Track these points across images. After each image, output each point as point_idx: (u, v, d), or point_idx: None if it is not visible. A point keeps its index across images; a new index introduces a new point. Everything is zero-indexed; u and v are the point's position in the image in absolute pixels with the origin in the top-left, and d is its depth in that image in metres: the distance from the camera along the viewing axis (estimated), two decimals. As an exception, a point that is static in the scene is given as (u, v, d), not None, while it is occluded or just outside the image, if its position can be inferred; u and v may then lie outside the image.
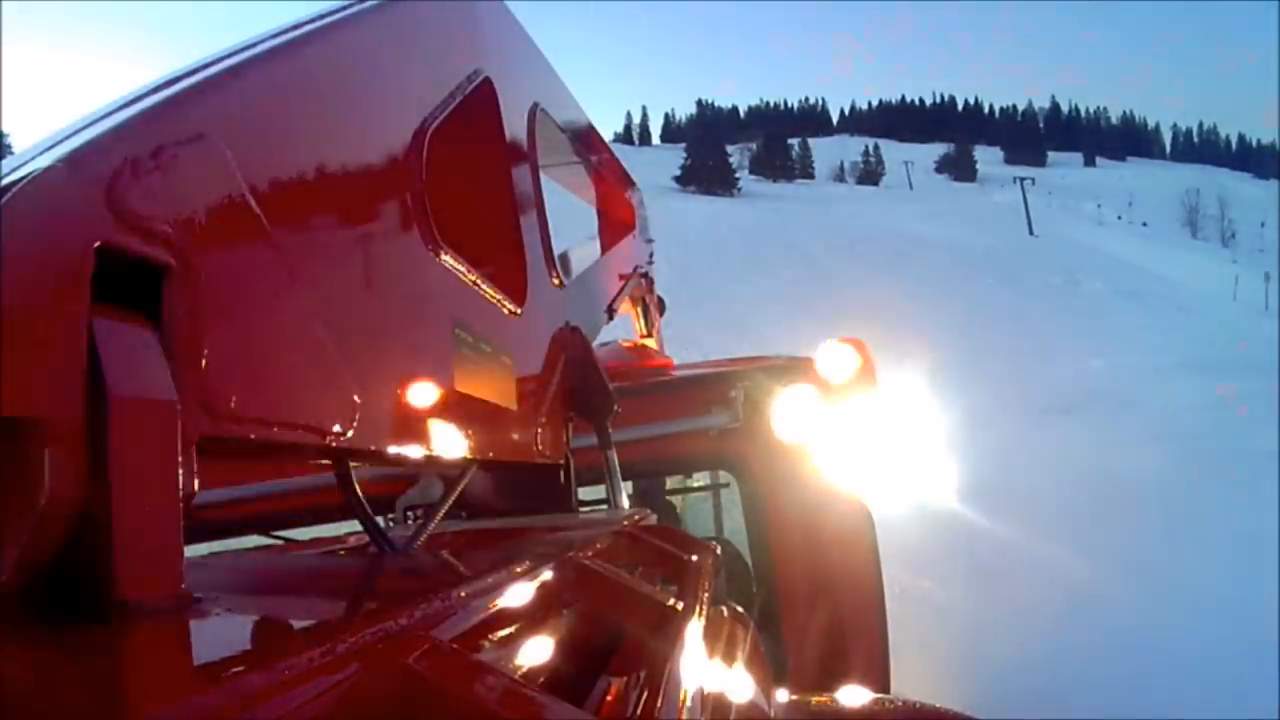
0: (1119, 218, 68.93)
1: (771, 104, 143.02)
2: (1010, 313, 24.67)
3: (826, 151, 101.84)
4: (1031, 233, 48.24)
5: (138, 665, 0.47)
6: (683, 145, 78.69)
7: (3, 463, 0.45)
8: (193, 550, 0.58)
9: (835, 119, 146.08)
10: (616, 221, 3.13)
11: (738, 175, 70.80)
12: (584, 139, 2.41)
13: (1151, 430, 11.54)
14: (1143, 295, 30.98)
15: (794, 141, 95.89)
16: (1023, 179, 60.20)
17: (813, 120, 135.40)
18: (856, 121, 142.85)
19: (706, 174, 65.13)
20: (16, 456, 0.46)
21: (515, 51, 1.64)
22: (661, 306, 4.27)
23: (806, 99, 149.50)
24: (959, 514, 6.61)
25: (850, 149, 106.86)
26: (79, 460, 0.48)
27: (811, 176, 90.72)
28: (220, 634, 0.56)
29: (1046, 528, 7.17)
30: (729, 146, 75.95)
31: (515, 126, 1.50)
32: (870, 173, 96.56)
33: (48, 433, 0.46)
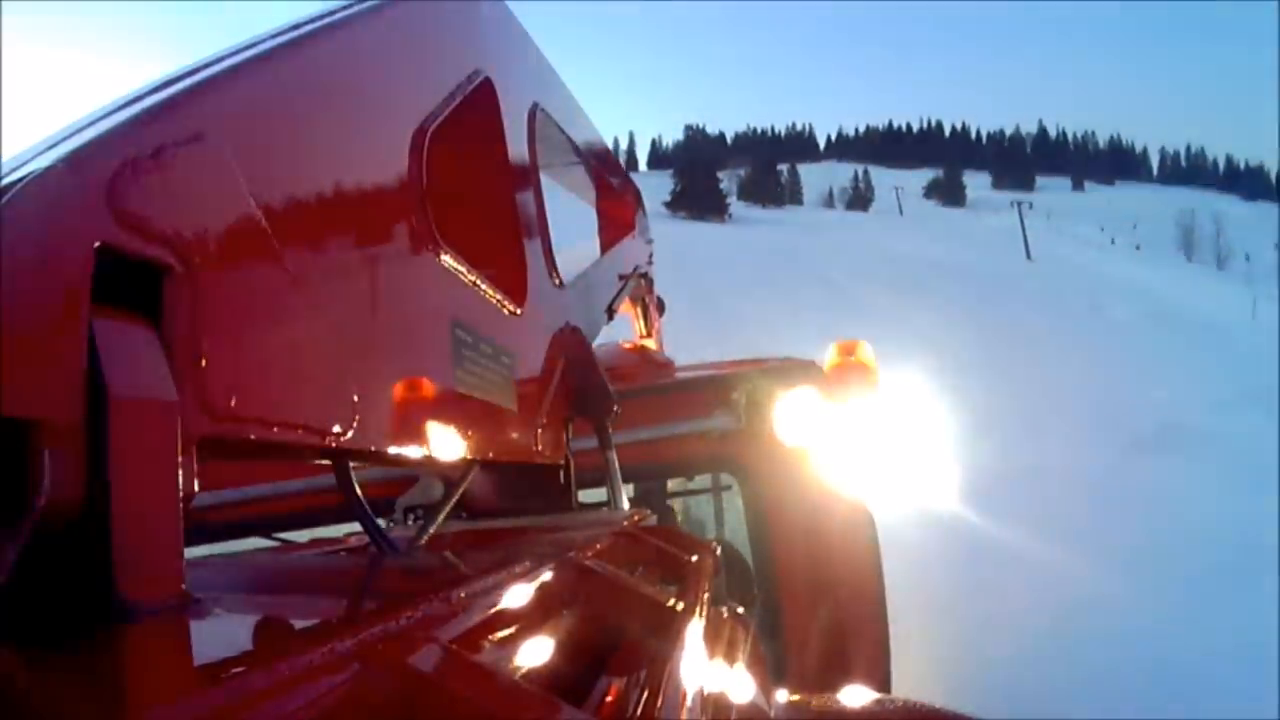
0: (1113, 241, 68.81)
1: (758, 130, 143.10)
2: (1046, 343, 23.27)
3: (814, 177, 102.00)
4: (1028, 257, 47.88)
5: (138, 665, 0.47)
6: (670, 171, 78.09)
7: (3, 463, 0.45)
8: (193, 551, 0.58)
9: (822, 145, 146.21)
10: (616, 221, 3.13)
11: (728, 201, 70.68)
12: (584, 139, 2.41)
13: (1249, 470, 10.14)
14: (1169, 320, 29.83)
15: (782, 167, 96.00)
16: (1019, 202, 60.09)
17: (800, 146, 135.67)
18: (843, 147, 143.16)
19: (697, 199, 64.85)
20: (16, 456, 0.46)
21: (515, 51, 1.64)
22: (661, 307, 4.27)
23: (793, 125, 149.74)
24: (1101, 579, 6.03)
25: (838, 175, 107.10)
26: (79, 460, 0.48)
27: (800, 202, 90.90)
28: (220, 634, 0.56)
29: (1203, 597, 6.15)
30: (717, 173, 75.58)
31: (515, 126, 1.50)
32: (859, 198, 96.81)
33: (48, 433, 0.46)
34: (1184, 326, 28.81)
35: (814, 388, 2.74)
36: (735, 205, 72.93)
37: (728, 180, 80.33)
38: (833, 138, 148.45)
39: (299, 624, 0.65)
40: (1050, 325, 26.51)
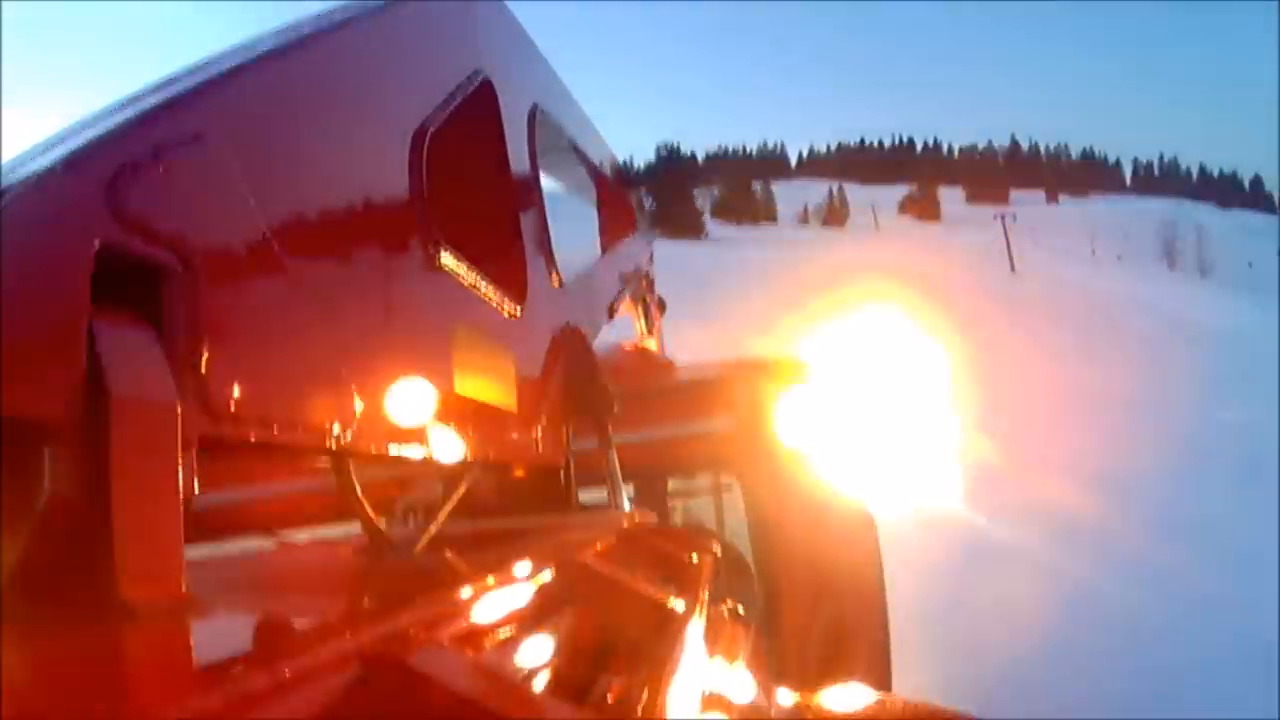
0: (1093, 252, 68.18)
1: (730, 149, 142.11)
2: (1075, 359, 20.84)
3: (787, 194, 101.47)
4: (1013, 270, 46.92)
5: (138, 665, 0.47)
6: (641, 191, 76.42)
7: (3, 463, 0.45)
8: (193, 551, 0.58)
9: (794, 162, 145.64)
10: (617, 221, 3.13)
11: (704, 220, 70.56)
12: (584, 139, 2.41)
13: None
14: (1184, 331, 27.66)
15: (755, 185, 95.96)
16: (1003, 215, 59.32)
17: (771, 164, 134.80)
18: (815, 164, 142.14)
19: (672, 219, 64.18)
20: (16, 456, 0.46)
21: (515, 52, 1.64)
22: (662, 307, 4.26)
23: (765, 143, 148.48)
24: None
25: (811, 192, 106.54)
26: (79, 460, 0.48)
27: (774, 220, 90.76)
28: (220, 634, 0.56)
29: None
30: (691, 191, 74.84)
31: (515, 126, 1.50)
32: (835, 214, 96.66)
33: (48, 433, 0.46)
34: (1203, 338, 26.45)
35: (813, 388, 2.75)
36: (710, 224, 72.55)
37: (701, 199, 79.82)
38: (804, 155, 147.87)
39: (299, 624, 0.65)
40: (1070, 339, 24.75)
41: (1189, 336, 26.97)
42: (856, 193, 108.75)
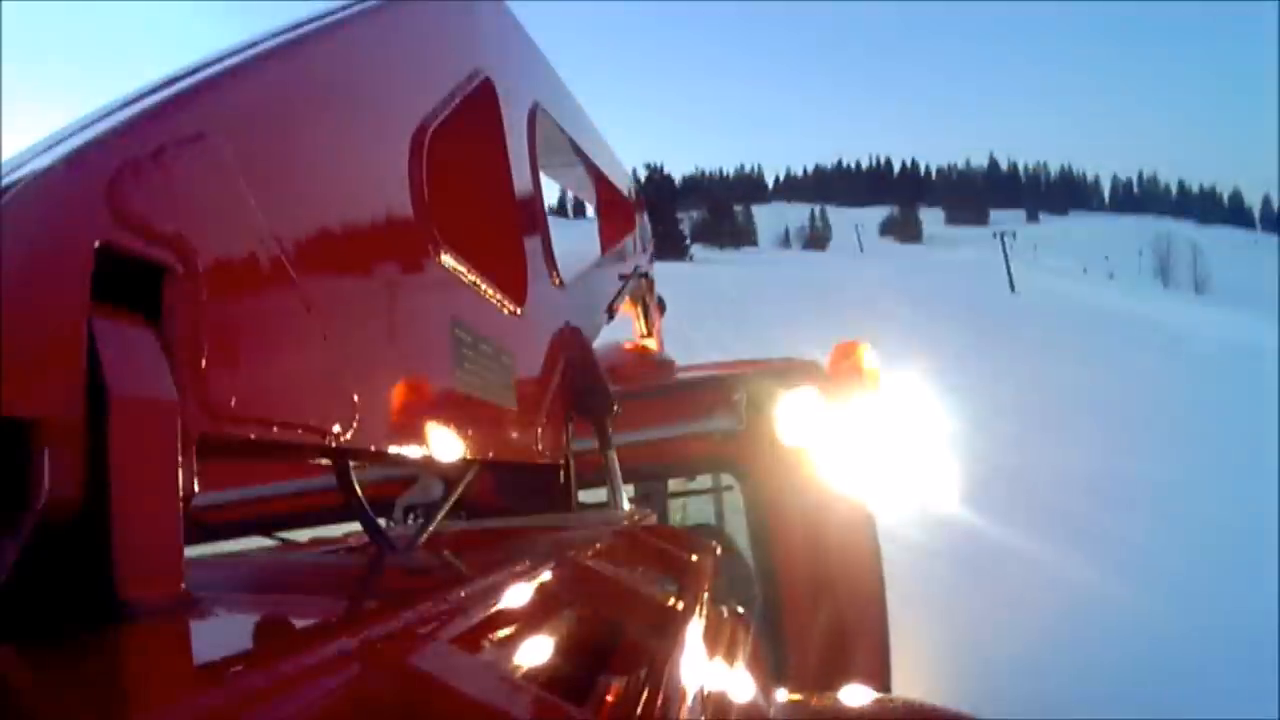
0: (1085, 270, 67.75)
1: (707, 173, 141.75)
2: (1108, 378, 19.36)
3: (766, 218, 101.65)
4: (1012, 290, 45.91)
5: (138, 665, 0.47)
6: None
7: (3, 463, 0.45)
8: (193, 551, 0.58)
9: (771, 185, 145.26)
10: (617, 221, 3.13)
11: (688, 244, 70.83)
12: (584, 139, 2.41)
13: None
14: (1236, 352, 25.34)
15: (737, 209, 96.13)
16: (1003, 234, 57.63)
17: (750, 187, 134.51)
18: (792, 188, 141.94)
19: (659, 241, 64.07)
20: (16, 456, 0.46)
21: (515, 51, 1.64)
22: (662, 307, 4.27)
23: (742, 166, 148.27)
24: None
25: (789, 215, 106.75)
26: (79, 460, 0.48)
27: (755, 244, 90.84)
28: (220, 634, 0.56)
29: None
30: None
31: (515, 126, 1.50)
32: (817, 237, 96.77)
33: (48, 433, 0.46)
34: (1257, 358, 23.75)
35: (815, 388, 2.74)
36: (693, 248, 72.74)
37: (682, 222, 79.67)
38: (781, 178, 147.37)
39: (299, 624, 0.65)
40: (1088, 360, 22.63)
41: (1201, 354, 25.56)
42: (835, 215, 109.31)
